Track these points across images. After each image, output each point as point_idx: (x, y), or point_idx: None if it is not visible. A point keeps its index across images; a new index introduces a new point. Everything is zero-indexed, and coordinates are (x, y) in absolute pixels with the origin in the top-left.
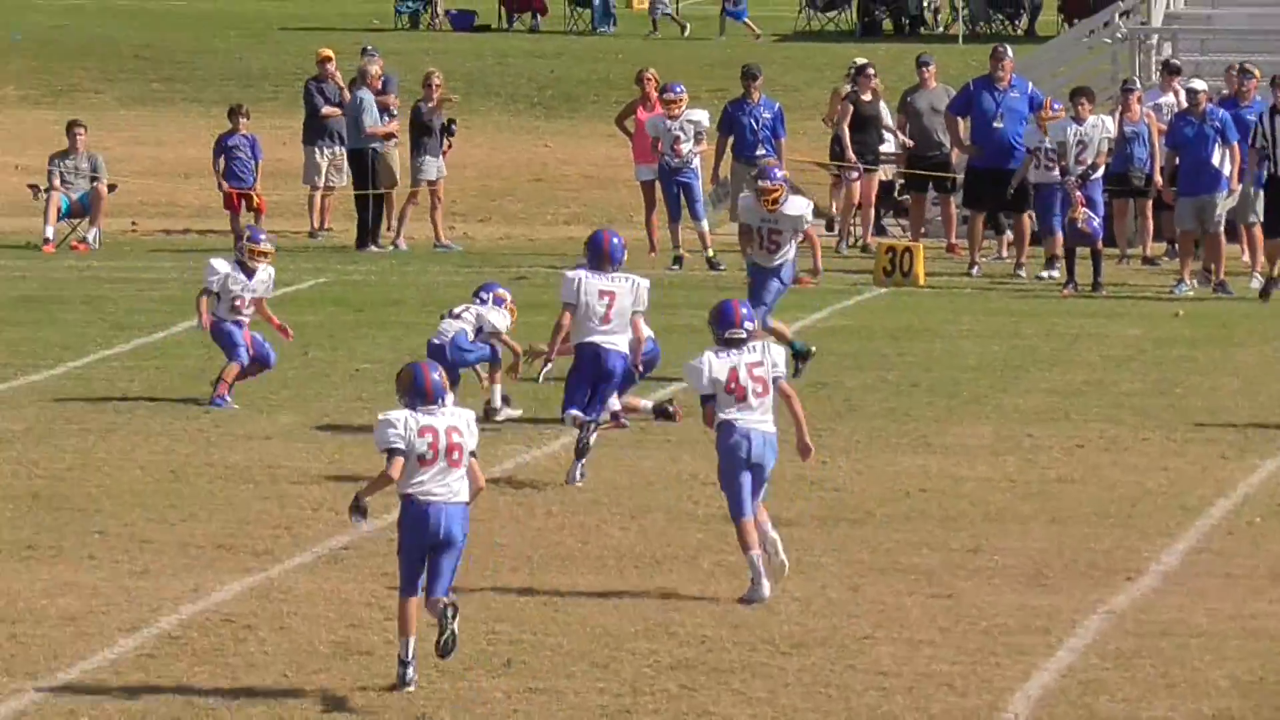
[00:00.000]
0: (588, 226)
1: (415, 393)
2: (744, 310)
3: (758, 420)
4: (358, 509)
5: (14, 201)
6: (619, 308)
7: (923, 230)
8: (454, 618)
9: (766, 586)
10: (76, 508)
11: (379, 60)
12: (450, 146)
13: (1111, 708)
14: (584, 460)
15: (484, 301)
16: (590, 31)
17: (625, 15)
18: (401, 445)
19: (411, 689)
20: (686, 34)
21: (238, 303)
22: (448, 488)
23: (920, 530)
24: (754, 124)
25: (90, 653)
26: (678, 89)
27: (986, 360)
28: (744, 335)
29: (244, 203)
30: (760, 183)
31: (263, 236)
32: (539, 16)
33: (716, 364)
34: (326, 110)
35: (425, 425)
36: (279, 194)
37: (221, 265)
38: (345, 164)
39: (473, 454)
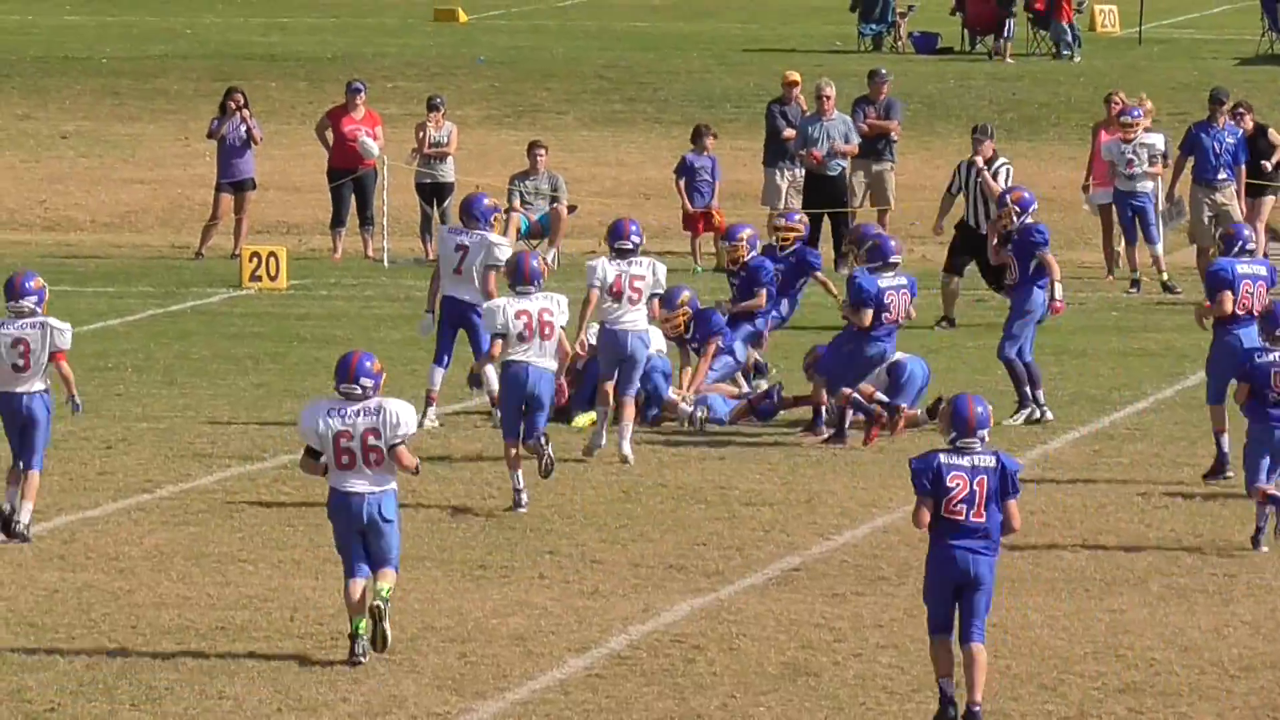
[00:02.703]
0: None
1: (517, 275)
2: (633, 226)
3: (629, 321)
4: (473, 379)
5: None
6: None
7: None
8: (547, 443)
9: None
10: (529, 527)
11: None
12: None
13: None
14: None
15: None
16: (1053, 55)
17: (1089, 38)
18: (499, 330)
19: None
20: (1075, 56)
21: None
22: (539, 356)
23: None
24: (1216, 147)
25: (539, 672)
26: (1136, 113)
27: None
28: (630, 246)
29: (704, 222)
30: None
31: None
32: (1002, 40)
33: (609, 268)
34: (788, 133)
35: (520, 309)
36: (738, 215)
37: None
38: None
39: (563, 328)
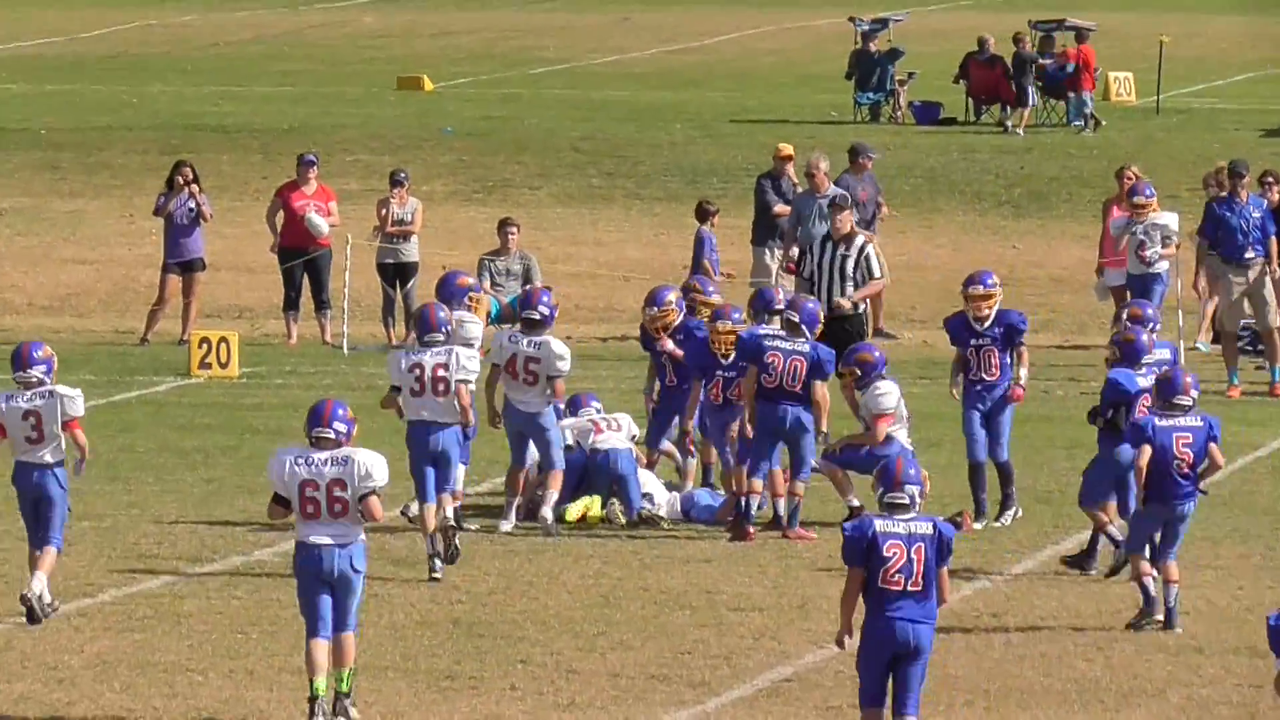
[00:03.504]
0: (1057, 334)
1: (422, 325)
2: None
3: (436, 414)
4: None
5: None
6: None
7: None
8: (455, 534)
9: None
10: (499, 634)
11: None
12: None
13: None
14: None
15: None
16: (1064, 125)
17: (1103, 108)
18: (395, 382)
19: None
20: (1095, 132)
21: None
22: (434, 411)
23: None
24: (1244, 225)
25: None
26: (1148, 192)
27: None
28: (538, 318)
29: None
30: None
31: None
32: (1009, 109)
33: (507, 348)
34: (779, 208)
35: (414, 363)
36: (727, 294)
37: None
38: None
39: (464, 382)
